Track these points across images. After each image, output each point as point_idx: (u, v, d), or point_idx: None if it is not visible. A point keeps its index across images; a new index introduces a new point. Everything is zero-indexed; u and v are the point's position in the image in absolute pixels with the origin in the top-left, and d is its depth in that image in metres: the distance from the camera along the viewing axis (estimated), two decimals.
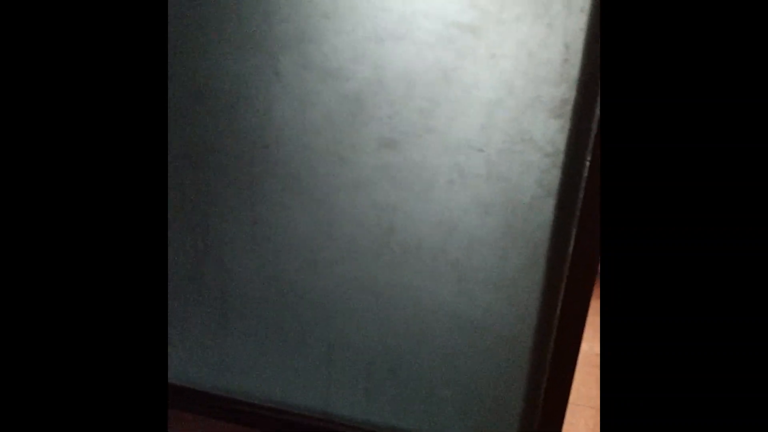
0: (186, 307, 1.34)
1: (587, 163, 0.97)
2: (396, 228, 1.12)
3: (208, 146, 1.14)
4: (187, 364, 1.41)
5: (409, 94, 1.01)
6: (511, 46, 0.95)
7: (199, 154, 1.15)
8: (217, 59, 1.06)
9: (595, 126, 0.95)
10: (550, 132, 0.97)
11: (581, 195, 0.99)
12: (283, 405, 1.37)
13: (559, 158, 0.98)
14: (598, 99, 0.94)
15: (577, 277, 1.03)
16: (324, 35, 1.00)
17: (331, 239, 1.16)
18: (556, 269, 1.06)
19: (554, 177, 1.00)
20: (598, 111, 0.94)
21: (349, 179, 1.10)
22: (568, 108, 0.96)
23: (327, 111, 1.05)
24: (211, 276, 1.28)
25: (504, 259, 1.08)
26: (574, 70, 0.94)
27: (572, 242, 1.01)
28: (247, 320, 1.30)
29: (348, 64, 1.01)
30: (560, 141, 0.98)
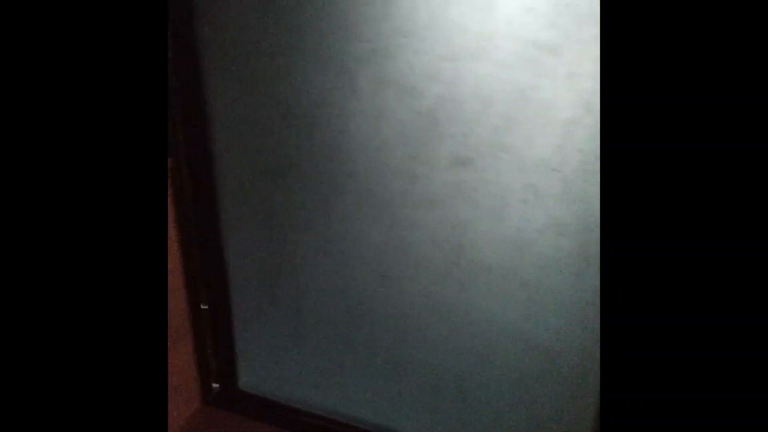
0: (261, 318, 1.38)
1: None
2: (467, 246, 1.11)
3: (288, 162, 1.18)
4: (261, 374, 1.45)
5: (484, 113, 1.01)
6: (590, 65, 0.93)
7: (280, 170, 1.20)
8: (300, 78, 1.11)
9: None
10: None
11: None
12: (351, 419, 1.38)
13: None
14: None
15: None
16: (401, 53, 1.02)
17: (403, 255, 1.17)
18: None
19: None
20: None
21: (422, 196, 1.11)
22: None
23: (401, 127, 1.07)
24: (286, 289, 1.31)
25: (577, 282, 1.05)
26: None
27: None
28: (319, 334, 1.33)
29: (424, 82, 1.03)
30: None
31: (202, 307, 1.41)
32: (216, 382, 1.51)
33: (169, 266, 1.30)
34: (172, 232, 1.29)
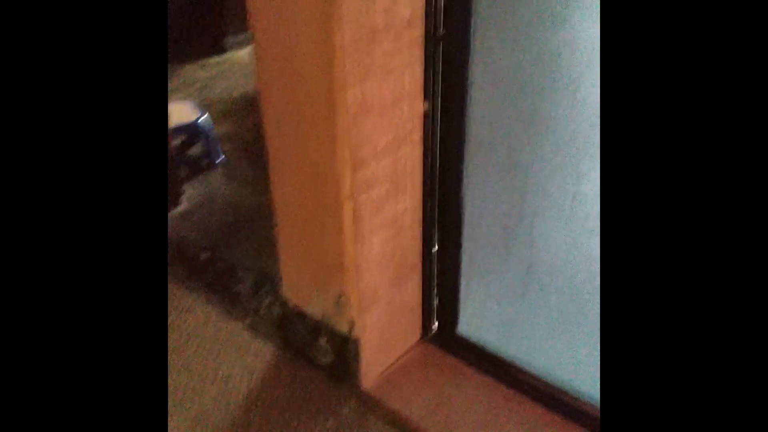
0: (490, 268, 1.39)
1: None
2: None
3: (544, 116, 1.15)
4: (481, 323, 1.47)
5: None
6: None
7: (534, 123, 1.17)
8: (571, 30, 1.05)
9: None
10: None
11: None
12: (566, 386, 1.35)
13: None
14: None
15: None
16: None
17: None
18: None
19: None
20: None
21: None
22: None
23: None
24: (520, 242, 1.30)
25: None
26: None
27: None
28: (549, 295, 1.30)
29: None
30: None
31: (434, 248, 1.46)
32: (436, 322, 1.56)
33: (408, 205, 1.36)
34: (417, 173, 1.34)
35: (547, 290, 1.30)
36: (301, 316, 1.49)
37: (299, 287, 1.48)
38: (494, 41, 1.17)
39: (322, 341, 1.45)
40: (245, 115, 2.94)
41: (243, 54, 3.76)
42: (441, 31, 1.21)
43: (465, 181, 1.33)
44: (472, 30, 1.18)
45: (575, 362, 1.31)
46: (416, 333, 1.56)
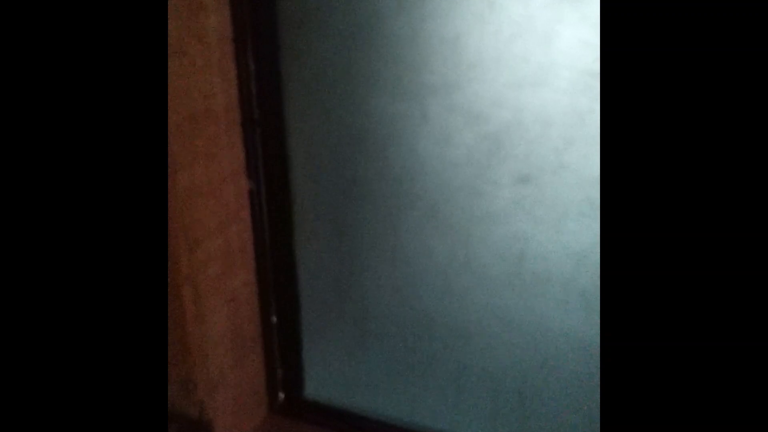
0: (327, 326, 1.48)
1: None
2: (528, 257, 1.21)
3: (360, 181, 1.30)
4: (326, 381, 1.54)
5: (545, 135, 1.12)
6: None
7: (351, 189, 1.31)
8: (374, 106, 1.22)
9: None
10: None
11: None
12: (412, 425, 1.46)
13: None
14: None
15: None
16: (469, 84, 1.14)
17: (466, 267, 1.27)
18: None
19: None
20: None
21: (485, 211, 1.21)
22: None
23: (468, 149, 1.18)
24: (353, 298, 1.42)
25: None
26: None
27: None
28: (384, 344, 1.42)
29: (489, 108, 1.14)
30: None
31: (272, 319, 1.51)
32: (282, 392, 1.60)
33: (244, 280, 1.41)
34: (249, 248, 1.41)
35: (383, 339, 1.43)
36: None
37: None
38: (307, 121, 1.31)
39: (173, 430, 1.41)
40: None
41: None
42: (257, 114, 1.32)
43: (297, 250, 1.43)
44: (285, 112, 1.31)
45: (419, 401, 1.44)
46: (264, 406, 1.58)
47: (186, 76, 1.14)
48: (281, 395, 1.60)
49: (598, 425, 1.26)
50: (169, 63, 1.09)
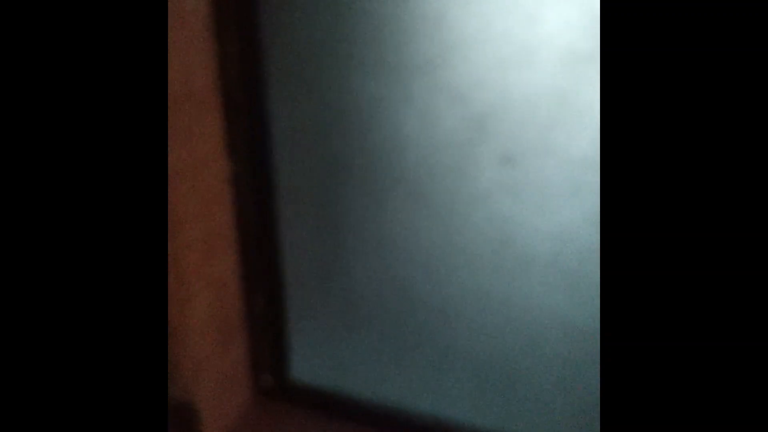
0: (313, 308, 1.48)
1: None
2: (512, 239, 1.21)
3: (343, 162, 1.29)
4: (311, 363, 1.54)
5: (529, 115, 1.11)
6: None
7: (335, 170, 1.30)
8: (356, 86, 1.21)
9: None
10: None
11: None
12: (399, 407, 1.47)
13: None
14: None
15: None
16: (452, 63, 1.12)
17: (450, 249, 1.27)
18: None
19: None
20: None
21: (468, 193, 1.21)
22: None
23: (451, 130, 1.17)
24: (339, 283, 1.41)
25: None
26: None
27: None
28: (370, 325, 1.42)
29: (473, 89, 1.13)
30: None
31: (258, 302, 1.51)
32: (268, 375, 1.60)
33: (228, 265, 1.40)
34: (232, 231, 1.39)
35: (368, 321, 1.43)
36: None
37: None
38: (289, 102, 1.29)
39: None
40: None
41: None
42: (238, 95, 1.30)
43: (281, 232, 1.42)
44: (267, 93, 1.29)
45: (405, 382, 1.45)
46: (249, 389, 1.58)
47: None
48: (267, 378, 1.60)
49: (583, 406, 1.27)
50: None
